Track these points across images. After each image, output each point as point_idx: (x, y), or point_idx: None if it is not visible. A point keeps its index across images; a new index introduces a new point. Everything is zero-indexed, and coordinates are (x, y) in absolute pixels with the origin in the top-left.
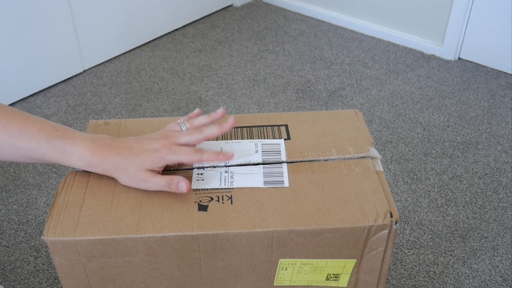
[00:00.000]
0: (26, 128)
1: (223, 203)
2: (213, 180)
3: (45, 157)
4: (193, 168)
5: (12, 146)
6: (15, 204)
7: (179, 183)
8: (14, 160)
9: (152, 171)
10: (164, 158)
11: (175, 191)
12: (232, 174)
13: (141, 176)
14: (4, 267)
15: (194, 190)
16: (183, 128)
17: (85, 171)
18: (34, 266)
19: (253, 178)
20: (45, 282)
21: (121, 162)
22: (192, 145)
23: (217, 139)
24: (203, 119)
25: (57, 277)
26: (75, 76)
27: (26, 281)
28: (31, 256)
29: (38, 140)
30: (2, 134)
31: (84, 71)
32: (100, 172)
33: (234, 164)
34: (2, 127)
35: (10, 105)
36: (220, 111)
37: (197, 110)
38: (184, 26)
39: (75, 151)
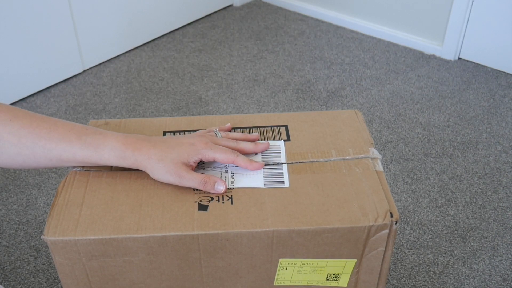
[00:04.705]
0: (56, 130)
1: (223, 203)
2: None
3: (76, 157)
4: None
5: (42, 148)
6: (15, 204)
7: (216, 183)
8: (44, 164)
9: (187, 166)
10: (199, 152)
11: (209, 191)
12: (232, 174)
13: (176, 170)
14: (4, 267)
15: (194, 189)
16: (218, 136)
17: (86, 170)
18: (34, 266)
19: (253, 179)
20: (45, 282)
21: (156, 153)
22: None
23: None
24: (237, 134)
25: (57, 277)
26: (75, 76)
27: (26, 281)
28: (31, 256)
29: (68, 140)
30: (32, 137)
31: (84, 71)
32: (132, 165)
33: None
34: (33, 129)
35: (10, 105)
36: (255, 134)
37: (228, 124)
38: (184, 26)
39: (108, 144)
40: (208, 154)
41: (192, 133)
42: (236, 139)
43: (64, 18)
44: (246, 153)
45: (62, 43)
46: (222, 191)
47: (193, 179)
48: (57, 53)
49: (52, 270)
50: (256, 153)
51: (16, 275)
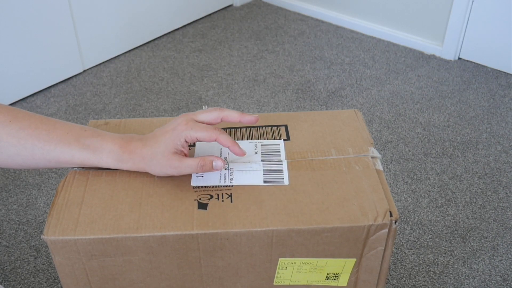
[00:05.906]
0: (54, 131)
1: (222, 201)
2: (212, 177)
3: (74, 159)
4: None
5: (41, 150)
6: (15, 204)
7: (213, 162)
8: (43, 165)
9: (179, 154)
10: (181, 134)
11: (209, 171)
12: (232, 171)
13: (169, 162)
14: (4, 267)
15: (193, 187)
16: (203, 108)
17: (86, 170)
18: (34, 266)
19: (253, 176)
20: (45, 282)
21: (148, 151)
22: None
23: None
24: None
25: (57, 277)
26: (75, 76)
27: (26, 281)
28: (31, 256)
29: (67, 142)
30: (31, 139)
31: (84, 71)
32: (131, 167)
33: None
34: (32, 131)
35: (10, 105)
36: (255, 115)
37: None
38: (184, 26)
39: (105, 147)
40: (190, 134)
41: (177, 116)
42: (233, 117)
43: (64, 18)
44: (230, 121)
45: (62, 43)
46: (221, 167)
47: (190, 166)
48: (57, 53)
49: (52, 270)
50: (242, 122)
51: (16, 275)
